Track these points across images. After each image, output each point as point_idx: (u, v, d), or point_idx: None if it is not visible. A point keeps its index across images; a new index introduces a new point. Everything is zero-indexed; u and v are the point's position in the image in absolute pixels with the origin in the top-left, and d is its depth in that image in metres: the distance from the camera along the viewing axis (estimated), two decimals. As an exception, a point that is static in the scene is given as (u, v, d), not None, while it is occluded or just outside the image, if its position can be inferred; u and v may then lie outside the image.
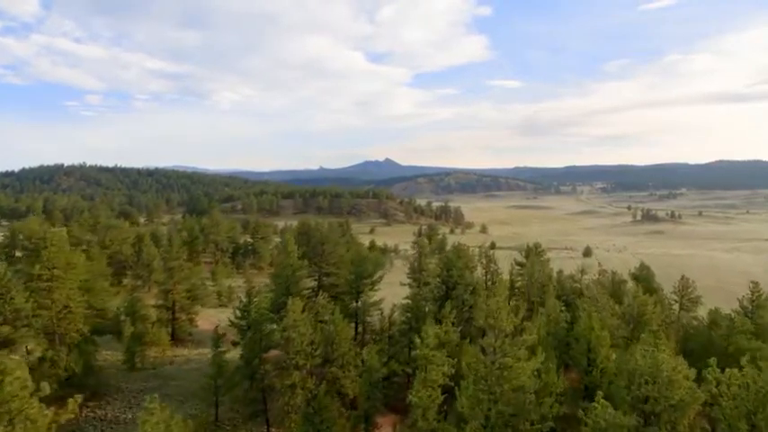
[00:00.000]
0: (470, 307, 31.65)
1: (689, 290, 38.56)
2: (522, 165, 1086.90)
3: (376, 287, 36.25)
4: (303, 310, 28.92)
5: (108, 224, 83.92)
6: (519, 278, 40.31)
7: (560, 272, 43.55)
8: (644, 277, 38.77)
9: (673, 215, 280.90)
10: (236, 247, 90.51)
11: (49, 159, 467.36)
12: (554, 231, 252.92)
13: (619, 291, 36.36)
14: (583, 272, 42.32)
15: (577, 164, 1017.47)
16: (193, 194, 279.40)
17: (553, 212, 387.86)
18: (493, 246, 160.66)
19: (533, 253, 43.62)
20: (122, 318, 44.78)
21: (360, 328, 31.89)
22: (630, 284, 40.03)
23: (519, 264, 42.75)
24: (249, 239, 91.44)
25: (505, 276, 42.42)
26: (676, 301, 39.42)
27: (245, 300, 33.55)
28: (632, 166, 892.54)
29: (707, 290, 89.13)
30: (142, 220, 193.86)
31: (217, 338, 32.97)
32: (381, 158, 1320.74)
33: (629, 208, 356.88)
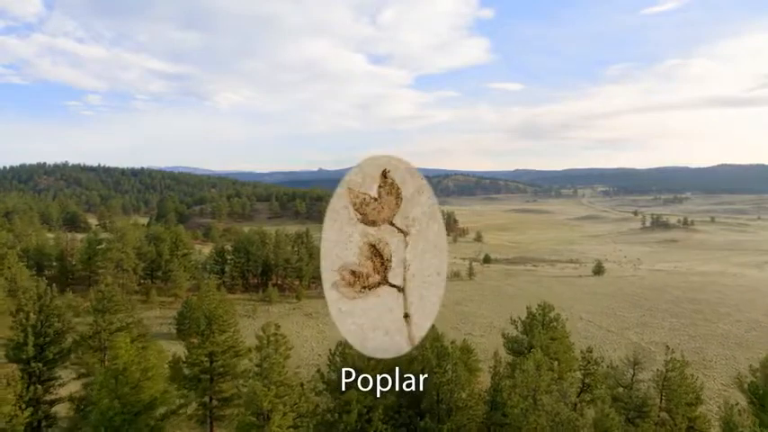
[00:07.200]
0: None
1: None
2: (521, 167, 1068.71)
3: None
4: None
5: None
6: (507, 380, 19.35)
7: (588, 353, 22.83)
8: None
9: (685, 222, 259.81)
10: (149, 267, 69.77)
11: (49, 160, 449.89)
12: (556, 239, 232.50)
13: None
14: (636, 363, 21.65)
15: (578, 167, 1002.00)
16: (164, 196, 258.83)
17: (554, 217, 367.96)
18: (487, 259, 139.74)
19: (539, 323, 22.59)
20: None
21: None
22: (735, 399, 19.79)
23: (512, 349, 21.69)
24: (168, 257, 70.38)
25: (485, 367, 21.89)
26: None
27: None
28: (633, 170, 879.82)
29: (759, 327, 68.10)
30: (94, 224, 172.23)
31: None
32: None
33: (635, 213, 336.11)
